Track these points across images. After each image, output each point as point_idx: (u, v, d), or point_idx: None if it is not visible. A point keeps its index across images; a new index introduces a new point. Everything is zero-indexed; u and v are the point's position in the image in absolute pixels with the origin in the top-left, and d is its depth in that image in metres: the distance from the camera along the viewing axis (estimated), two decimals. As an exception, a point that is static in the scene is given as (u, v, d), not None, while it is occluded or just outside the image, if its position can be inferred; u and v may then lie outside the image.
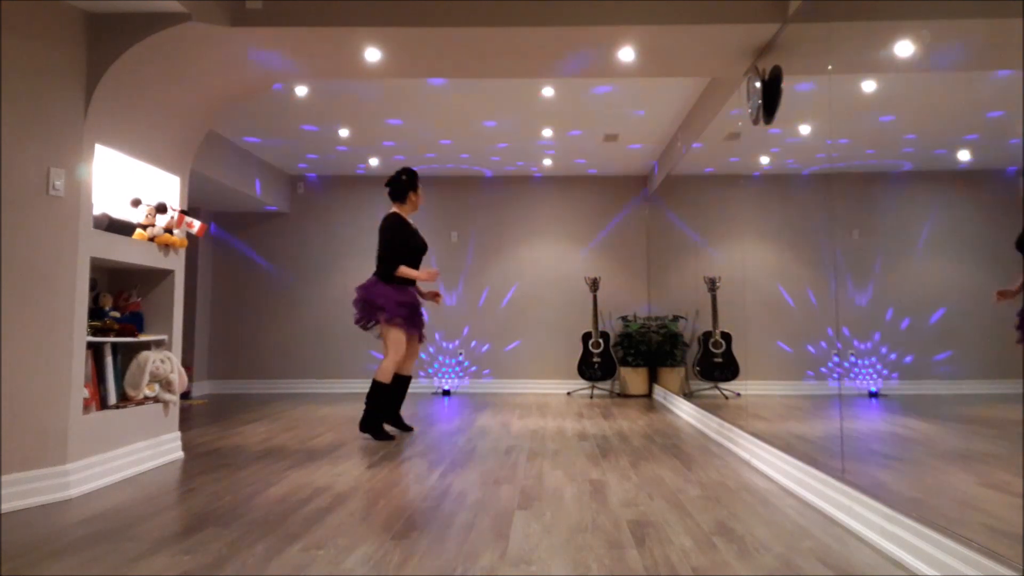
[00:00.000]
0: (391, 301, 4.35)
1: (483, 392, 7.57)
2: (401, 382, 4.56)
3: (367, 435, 4.40)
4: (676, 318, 6.57)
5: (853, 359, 2.62)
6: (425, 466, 3.53)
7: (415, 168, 7.23)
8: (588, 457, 3.78)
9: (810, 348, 3.15)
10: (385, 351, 4.38)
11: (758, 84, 3.48)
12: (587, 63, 3.84)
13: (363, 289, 4.43)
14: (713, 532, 2.38)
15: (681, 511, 2.65)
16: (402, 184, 4.58)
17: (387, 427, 4.65)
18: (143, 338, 3.59)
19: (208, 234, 7.66)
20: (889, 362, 2.44)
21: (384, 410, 4.41)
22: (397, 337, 4.36)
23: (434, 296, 4.67)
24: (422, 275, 4.46)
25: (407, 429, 4.65)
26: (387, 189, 4.64)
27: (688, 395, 5.80)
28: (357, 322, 4.45)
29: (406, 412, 5.66)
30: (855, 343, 2.61)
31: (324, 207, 7.84)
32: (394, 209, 4.59)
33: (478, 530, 2.41)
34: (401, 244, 4.44)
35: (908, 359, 2.36)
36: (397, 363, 4.38)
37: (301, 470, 3.42)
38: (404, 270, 4.40)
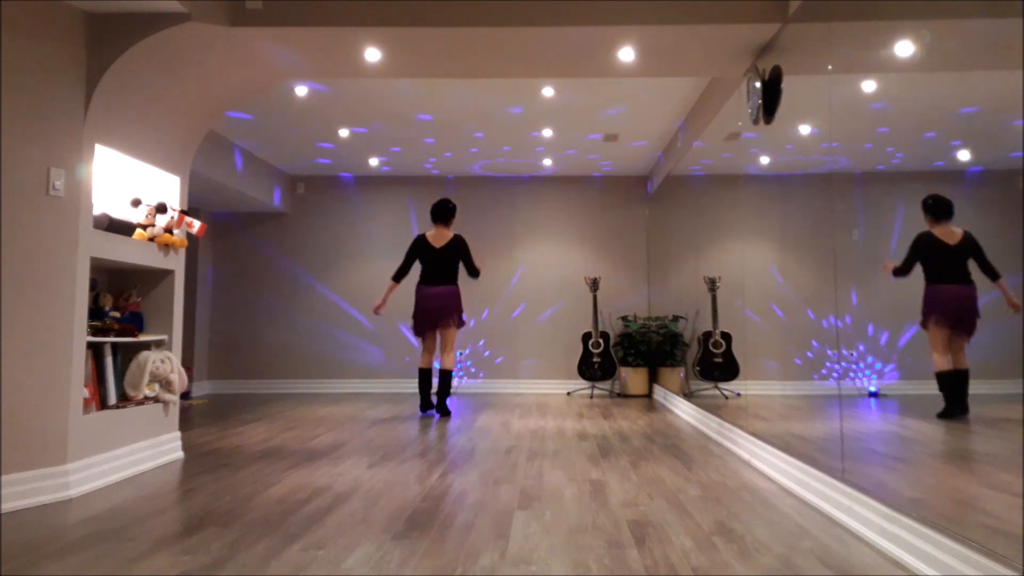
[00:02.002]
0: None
1: (483, 392, 7.57)
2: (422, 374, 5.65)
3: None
4: (676, 318, 6.57)
5: (853, 359, 2.62)
6: (425, 466, 3.53)
7: (415, 168, 7.29)
8: (588, 457, 3.78)
9: (810, 348, 3.15)
10: (454, 346, 5.63)
11: (758, 84, 3.48)
12: (587, 63, 3.84)
13: (459, 293, 5.59)
14: (713, 532, 2.38)
15: (681, 511, 2.65)
16: (451, 211, 5.62)
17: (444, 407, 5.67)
18: (143, 338, 3.59)
19: (208, 234, 7.66)
20: (889, 362, 2.44)
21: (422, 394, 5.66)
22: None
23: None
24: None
25: (429, 408, 5.65)
26: (434, 212, 5.60)
27: (688, 395, 5.80)
28: (460, 323, 5.59)
29: (405, 409, 5.67)
30: (855, 343, 2.61)
31: (324, 207, 7.84)
32: (440, 230, 5.58)
33: (478, 530, 2.41)
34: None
35: (908, 359, 2.36)
36: (424, 357, 5.66)
37: (301, 470, 3.42)
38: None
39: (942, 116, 2.18)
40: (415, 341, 7.49)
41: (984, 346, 2.02)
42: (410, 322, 5.81)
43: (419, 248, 5.55)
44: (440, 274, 5.50)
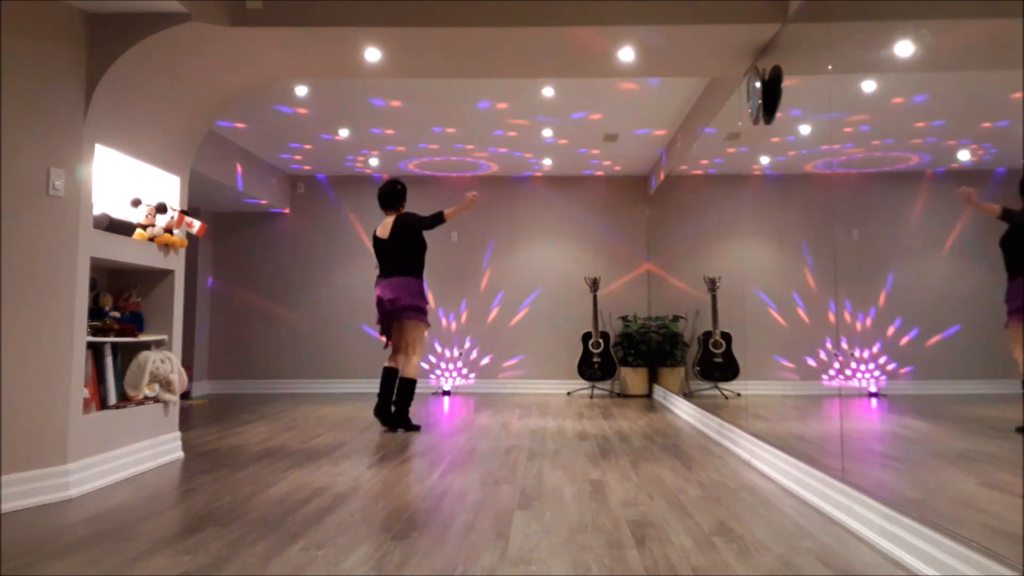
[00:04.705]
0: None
1: (483, 392, 7.57)
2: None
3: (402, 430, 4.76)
4: (676, 318, 6.57)
5: (853, 358, 2.62)
6: (425, 466, 3.53)
7: (415, 168, 7.28)
8: (588, 457, 3.78)
9: (810, 348, 3.15)
10: (416, 349, 4.80)
11: (758, 84, 3.48)
12: (587, 63, 3.84)
13: (415, 285, 4.77)
14: (713, 532, 2.38)
15: (681, 511, 2.65)
16: (397, 194, 4.90)
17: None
18: (143, 338, 3.59)
19: (208, 234, 7.65)
20: (889, 362, 2.44)
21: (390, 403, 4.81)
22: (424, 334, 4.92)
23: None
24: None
25: (384, 417, 4.83)
26: (380, 199, 4.92)
27: (688, 395, 5.80)
28: (415, 317, 4.75)
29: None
30: (855, 343, 2.61)
31: (324, 207, 7.84)
32: (387, 218, 4.90)
33: (478, 530, 2.41)
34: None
35: (908, 359, 2.36)
36: (391, 356, 4.94)
37: (301, 470, 3.42)
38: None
39: (942, 116, 2.18)
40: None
41: (985, 345, 2.02)
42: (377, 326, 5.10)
43: (373, 241, 4.92)
44: (390, 265, 4.76)
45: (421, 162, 7.16)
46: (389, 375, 4.79)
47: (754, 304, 3.97)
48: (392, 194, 4.87)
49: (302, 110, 5.48)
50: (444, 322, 7.69)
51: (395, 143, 6.46)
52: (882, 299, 2.44)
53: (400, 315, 4.70)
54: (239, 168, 6.49)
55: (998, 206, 1.91)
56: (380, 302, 4.74)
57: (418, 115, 5.63)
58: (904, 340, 2.35)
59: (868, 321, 2.53)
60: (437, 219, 4.75)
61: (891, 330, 2.41)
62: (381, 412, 4.77)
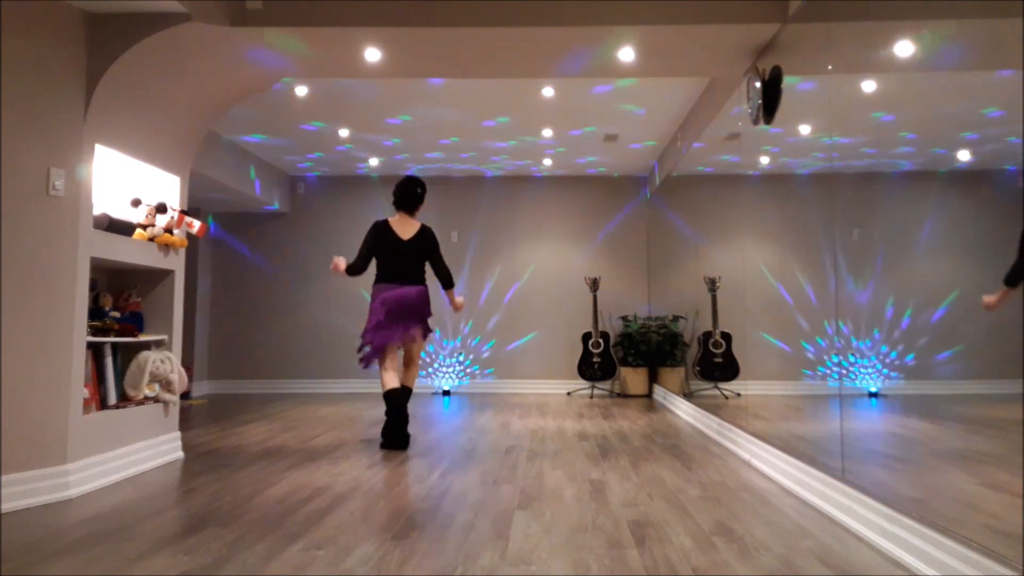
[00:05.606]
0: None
1: (483, 392, 7.57)
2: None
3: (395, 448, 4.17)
4: (676, 318, 6.57)
5: (853, 359, 2.62)
6: (425, 466, 3.53)
7: (416, 168, 7.26)
8: (588, 457, 3.78)
9: (810, 348, 3.15)
10: (417, 360, 4.48)
11: (758, 84, 3.48)
12: (587, 63, 3.84)
13: (423, 296, 4.35)
14: (713, 532, 2.38)
15: (681, 511, 2.65)
16: (419, 196, 4.43)
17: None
18: (143, 338, 3.59)
19: (208, 234, 7.65)
20: (889, 362, 2.44)
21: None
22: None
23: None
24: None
25: (404, 444, 4.20)
26: (399, 196, 4.42)
27: (688, 395, 5.80)
28: (428, 330, 4.39)
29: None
30: (855, 343, 2.61)
31: (324, 207, 7.84)
32: (404, 218, 4.40)
33: (478, 530, 2.41)
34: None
35: (908, 359, 2.36)
36: (388, 375, 4.28)
37: (301, 470, 3.42)
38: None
39: (942, 116, 2.18)
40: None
41: (985, 345, 2.02)
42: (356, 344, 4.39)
43: (382, 238, 4.35)
44: (409, 271, 4.33)
45: (422, 163, 7.16)
46: (400, 396, 4.17)
47: (754, 304, 3.97)
48: (414, 196, 4.41)
49: (302, 109, 5.48)
50: (444, 323, 7.69)
51: (396, 152, 6.46)
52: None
53: (418, 328, 4.31)
54: (239, 168, 6.49)
55: (998, 294, 1.82)
56: (403, 311, 4.24)
57: (419, 127, 5.63)
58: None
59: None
60: (448, 273, 4.48)
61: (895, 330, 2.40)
62: (404, 441, 4.11)
